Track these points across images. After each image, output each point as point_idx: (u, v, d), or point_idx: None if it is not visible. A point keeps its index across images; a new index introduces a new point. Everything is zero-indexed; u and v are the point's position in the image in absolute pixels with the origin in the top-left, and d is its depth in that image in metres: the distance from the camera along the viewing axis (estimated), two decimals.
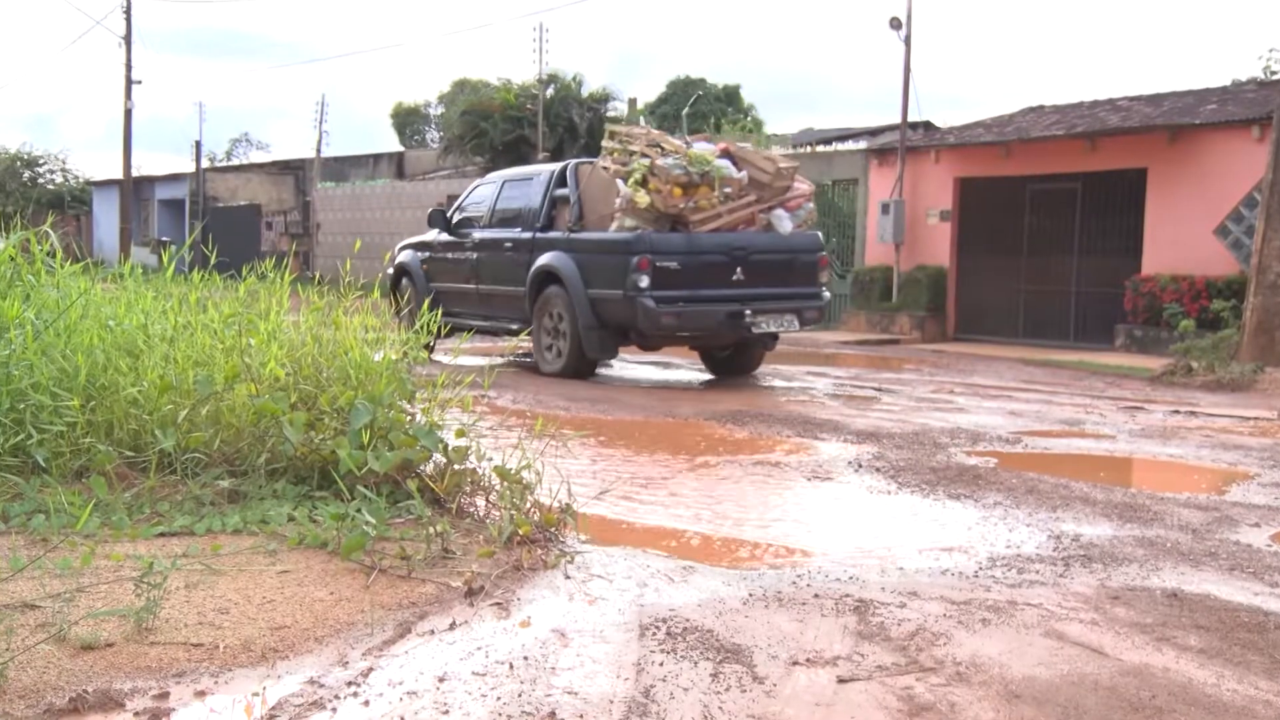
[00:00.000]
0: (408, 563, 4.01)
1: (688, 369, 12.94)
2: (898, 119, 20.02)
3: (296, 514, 4.52)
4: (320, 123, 39.88)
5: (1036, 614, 3.84)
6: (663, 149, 11.03)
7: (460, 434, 5.02)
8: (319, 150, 39.83)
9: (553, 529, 4.63)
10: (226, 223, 40.12)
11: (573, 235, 11.34)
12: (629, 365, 13.20)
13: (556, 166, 12.22)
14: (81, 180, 56.10)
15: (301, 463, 4.88)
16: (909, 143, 19.86)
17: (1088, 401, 10.46)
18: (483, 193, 13.15)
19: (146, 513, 4.46)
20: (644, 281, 10.41)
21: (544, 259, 11.44)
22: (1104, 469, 7.06)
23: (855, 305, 19.90)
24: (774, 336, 11.39)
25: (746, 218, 11.08)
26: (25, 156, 57.97)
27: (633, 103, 40.02)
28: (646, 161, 10.78)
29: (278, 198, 42.67)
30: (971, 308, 19.30)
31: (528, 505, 4.72)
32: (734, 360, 11.87)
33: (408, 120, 63.53)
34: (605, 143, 11.56)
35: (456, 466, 4.98)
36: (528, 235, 11.88)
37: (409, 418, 5.18)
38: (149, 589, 3.29)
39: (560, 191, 11.73)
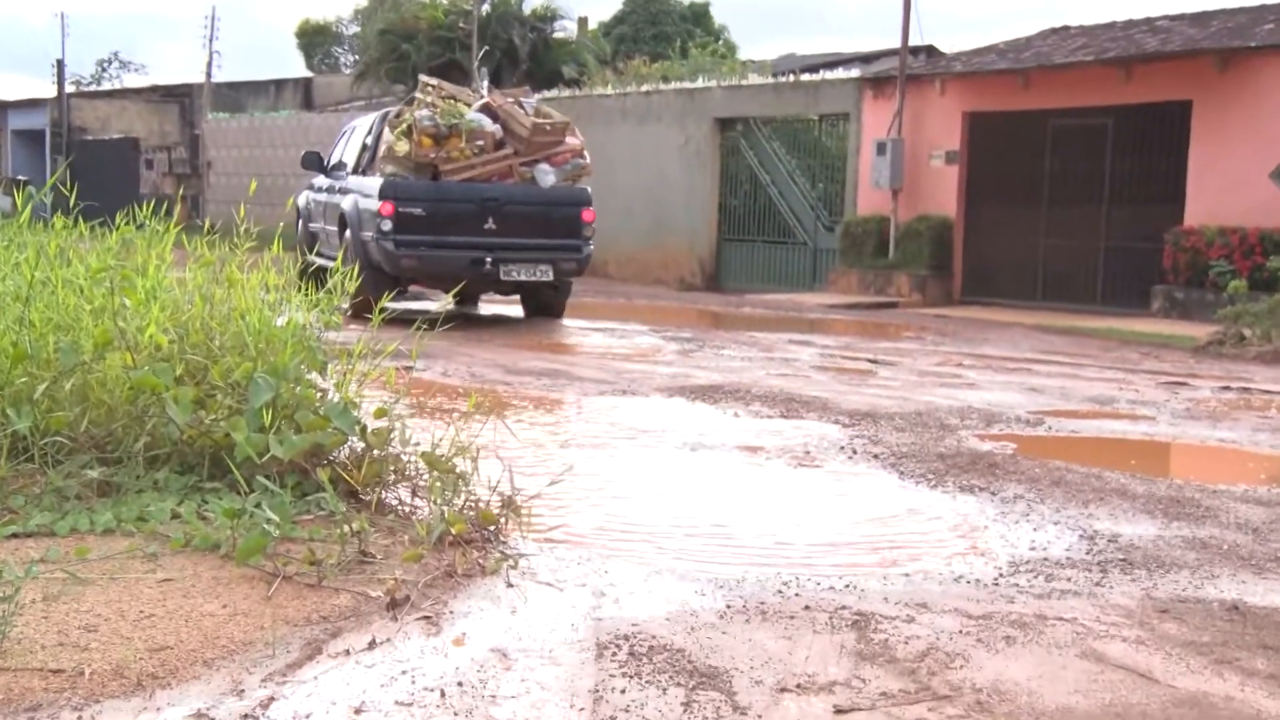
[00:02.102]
0: (318, 569, 3.91)
1: (648, 334, 12.88)
2: (896, 43, 19.98)
3: (182, 510, 4.41)
4: (210, 41, 39.36)
5: (1070, 630, 3.81)
6: (458, 101, 13.42)
7: (380, 414, 4.92)
8: (209, 75, 39.34)
9: (492, 527, 4.55)
10: (97, 159, 39.49)
11: (350, 180, 13.75)
12: (582, 332, 13.13)
13: (380, 113, 14.40)
14: None
15: (189, 448, 4.76)
16: (910, 70, 19.81)
17: (1121, 376, 10.50)
18: (350, 135, 15.14)
19: None
20: (387, 225, 12.51)
21: (343, 203, 13.73)
22: (1143, 456, 7.07)
23: (845, 262, 19.90)
24: (562, 284, 13.68)
25: (502, 170, 13.16)
26: None
27: (583, 22, 39.76)
28: (425, 113, 12.99)
29: (160, 130, 42.09)
30: (981, 265, 19.35)
31: (462, 499, 4.63)
32: (538, 304, 14.13)
33: (316, 40, 62.81)
34: (417, 93, 13.70)
35: (377, 453, 4.89)
36: (341, 180, 14.24)
37: (319, 394, 5.07)
38: None
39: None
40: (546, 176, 13.23)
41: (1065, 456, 6.80)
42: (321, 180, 15.40)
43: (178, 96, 43.46)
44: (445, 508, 4.48)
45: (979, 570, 4.53)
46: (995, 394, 9.17)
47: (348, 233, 13.39)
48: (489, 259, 12.66)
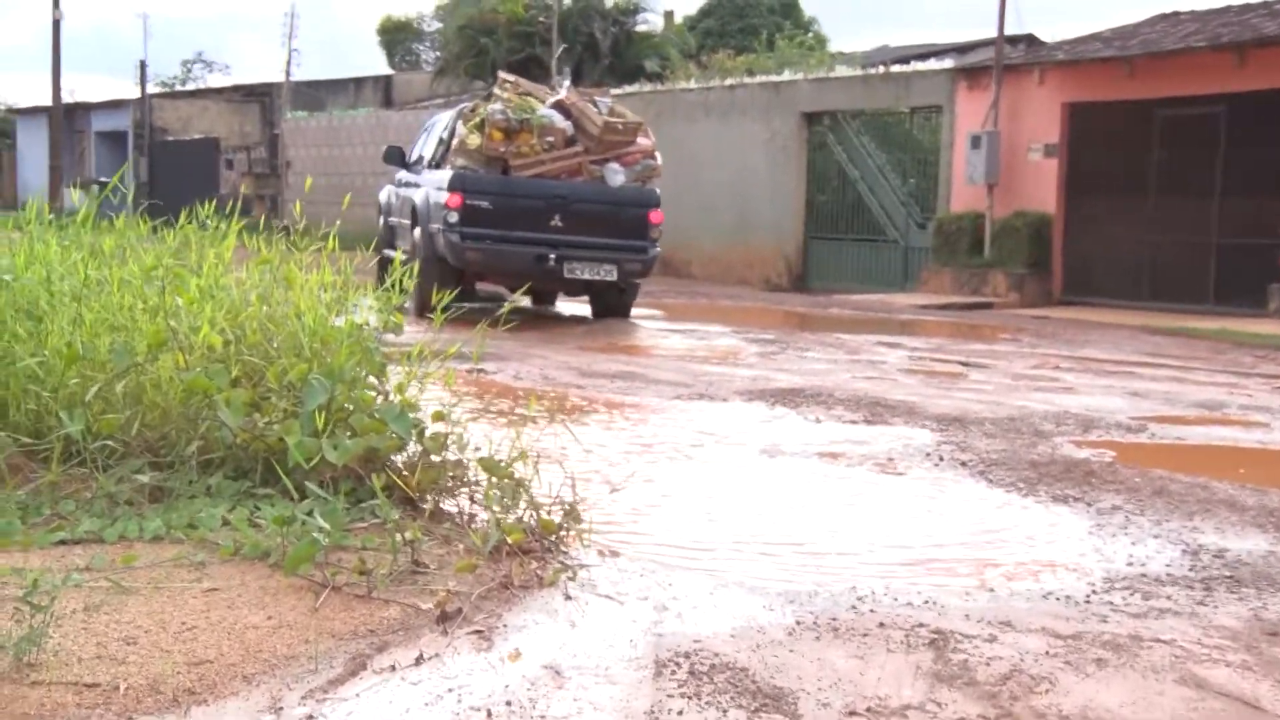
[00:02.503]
0: (367, 579, 3.85)
1: (729, 336, 12.76)
2: (993, 32, 19.68)
3: (233, 516, 4.37)
4: (289, 39, 39.80)
5: (1168, 653, 3.64)
6: (535, 98, 13.71)
7: (438, 417, 4.86)
8: (288, 73, 39.81)
9: (552, 537, 4.46)
10: (177, 160, 40.20)
11: (424, 174, 14.15)
12: (661, 334, 13.05)
13: (458, 108, 14.71)
14: (2, 108, 56.37)
15: (243, 452, 4.73)
16: (1007, 60, 19.51)
17: (1233, 380, 10.21)
18: (430, 130, 15.50)
19: (45, 514, 4.32)
20: (453, 217, 12.80)
21: (415, 196, 14.15)
22: (1255, 465, 6.83)
23: (938, 261, 19.63)
24: (629, 285, 13.83)
25: (572, 167, 13.39)
26: None
27: (668, 16, 39.75)
28: (498, 107, 13.39)
29: (240, 130, 42.69)
30: (1083, 263, 18.99)
31: (521, 507, 4.55)
32: (604, 304, 14.20)
33: (397, 37, 63.32)
34: (495, 89, 14.01)
35: (434, 458, 4.83)
36: (418, 174, 14.60)
37: (377, 397, 5.02)
38: (32, 612, 3.14)
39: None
40: (616, 176, 13.40)
41: (1169, 465, 6.59)
42: (402, 175, 15.76)
43: (258, 96, 44.05)
44: (502, 517, 4.40)
45: (1070, 586, 4.36)
46: (1095, 398, 8.94)
47: (417, 226, 13.82)
48: (553, 256, 12.89)
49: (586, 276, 13.15)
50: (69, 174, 44.38)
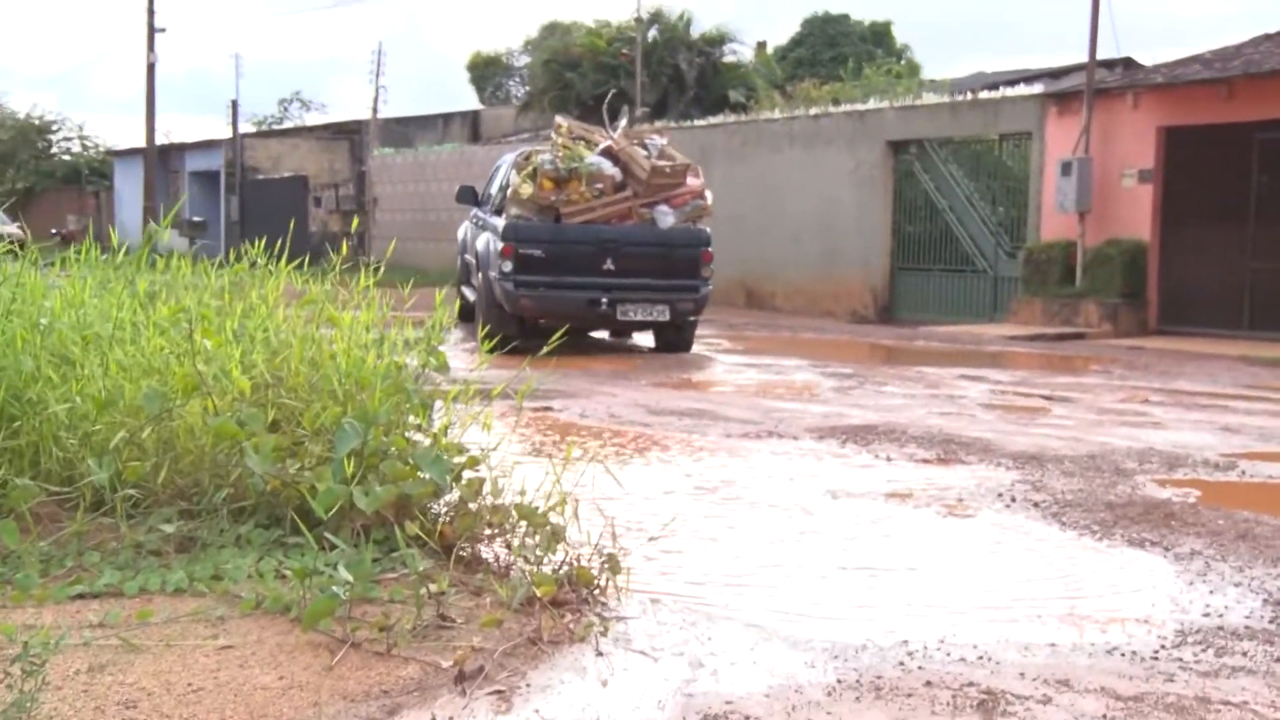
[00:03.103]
0: (388, 634, 3.71)
1: (806, 370, 12.54)
2: (1086, 56, 19.31)
3: (261, 567, 4.27)
4: (377, 76, 40.22)
5: (1237, 717, 3.39)
6: (588, 142, 14.13)
7: (473, 463, 4.72)
8: (375, 110, 40.20)
9: (591, 588, 4.30)
10: (267, 198, 40.76)
11: (488, 219, 14.75)
12: (737, 369, 12.87)
13: (514, 155, 15.14)
14: (101, 149, 57.60)
15: (275, 500, 4.63)
16: (1099, 84, 19.11)
17: None
18: (499, 171, 15.87)
19: (68, 566, 4.25)
20: (507, 266, 13.33)
21: (478, 241, 14.91)
22: None
23: (1028, 291, 19.22)
24: (684, 323, 14.04)
25: (622, 211, 13.71)
26: (38, 122, 59.78)
27: (761, 46, 39.68)
28: (547, 157, 13.79)
29: (330, 167, 43.18)
30: (1179, 292, 18.50)
31: (560, 557, 4.41)
32: (665, 342, 14.44)
33: (487, 73, 63.88)
34: (552, 134, 14.50)
35: (472, 505, 4.69)
36: (481, 217, 15.38)
37: (415, 441, 4.90)
38: (24, 676, 3.04)
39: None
40: (665, 218, 13.77)
41: (1257, 506, 6.29)
42: (476, 213, 16.16)
43: (348, 133, 44.53)
44: (534, 567, 4.26)
45: (1138, 640, 4.12)
46: (1183, 434, 8.61)
47: (481, 270, 14.42)
48: (605, 300, 13.35)
49: (639, 318, 13.59)
50: (164, 214, 45.24)
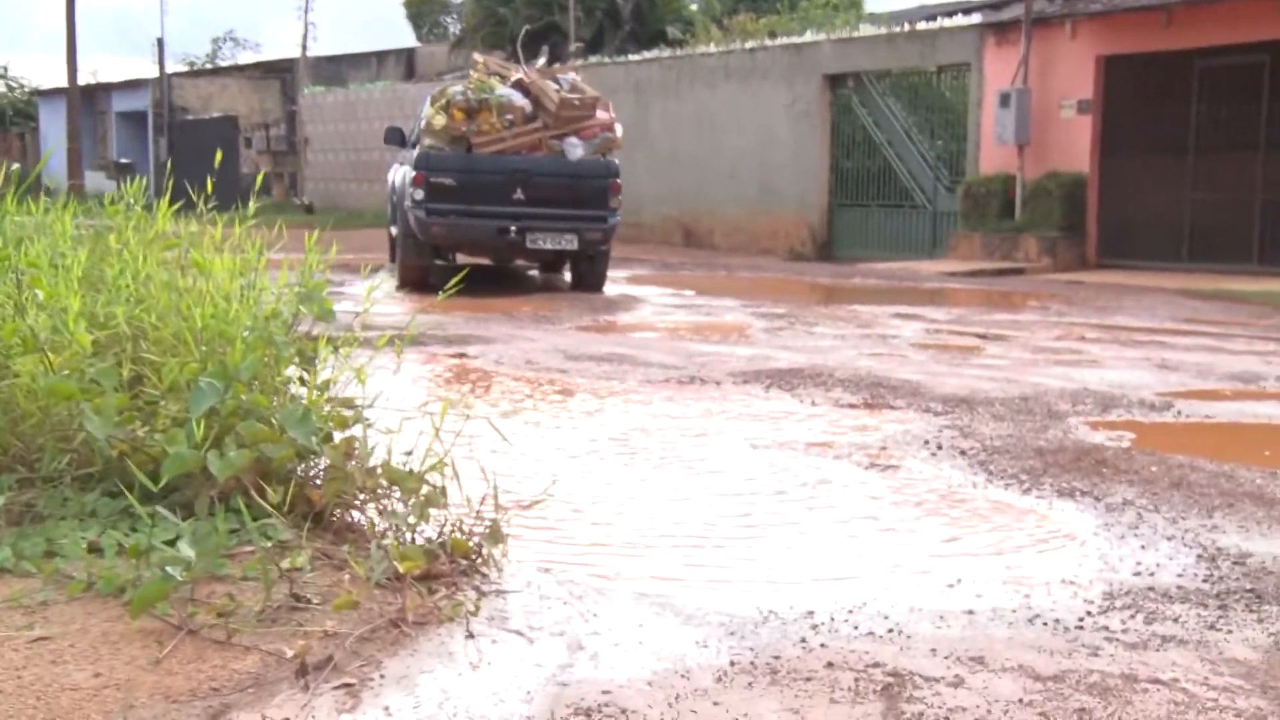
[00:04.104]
0: (228, 620, 3.32)
1: (738, 310, 12.19)
2: None
3: (103, 541, 3.86)
4: (305, 12, 39.32)
5: (1166, 700, 3.07)
6: (503, 77, 14.62)
7: (342, 422, 4.32)
8: (304, 48, 39.32)
9: (469, 559, 3.93)
10: (196, 139, 39.76)
11: (403, 153, 15.28)
12: (667, 310, 12.51)
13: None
14: (27, 90, 56.22)
15: (125, 466, 4.20)
16: (1036, 13, 18.75)
17: (1273, 348, 9.56)
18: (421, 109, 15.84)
19: None
20: (419, 195, 13.63)
21: (394, 175, 15.64)
22: None
23: (967, 225, 18.96)
24: (597, 253, 14.24)
25: (532, 143, 14.11)
26: None
27: None
28: (458, 88, 14.26)
29: (260, 107, 42.29)
30: (1119, 225, 18.30)
31: (443, 524, 4.03)
32: (577, 275, 14.82)
33: (425, 9, 62.72)
34: (471, 71, 15.02)
35: (351, 466, 4.30)
36: (404, 154, 15.47)
37: (293, 397, 4.49)
38: None
39: None
40: (575, 150, 14.12)
41: (1193, 449, 6.00)
42: (403, 154, 16.01)
43: (279, 72, 43.59)
44: (409, 535, 3.87)
45: (1063, 606, 3.79)
46: (1119, 372, 8.33)
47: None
48: (514, 228, 13.70)
49: (548, 246, 13.89)
50: (90, 156, 44.17)
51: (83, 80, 43.27)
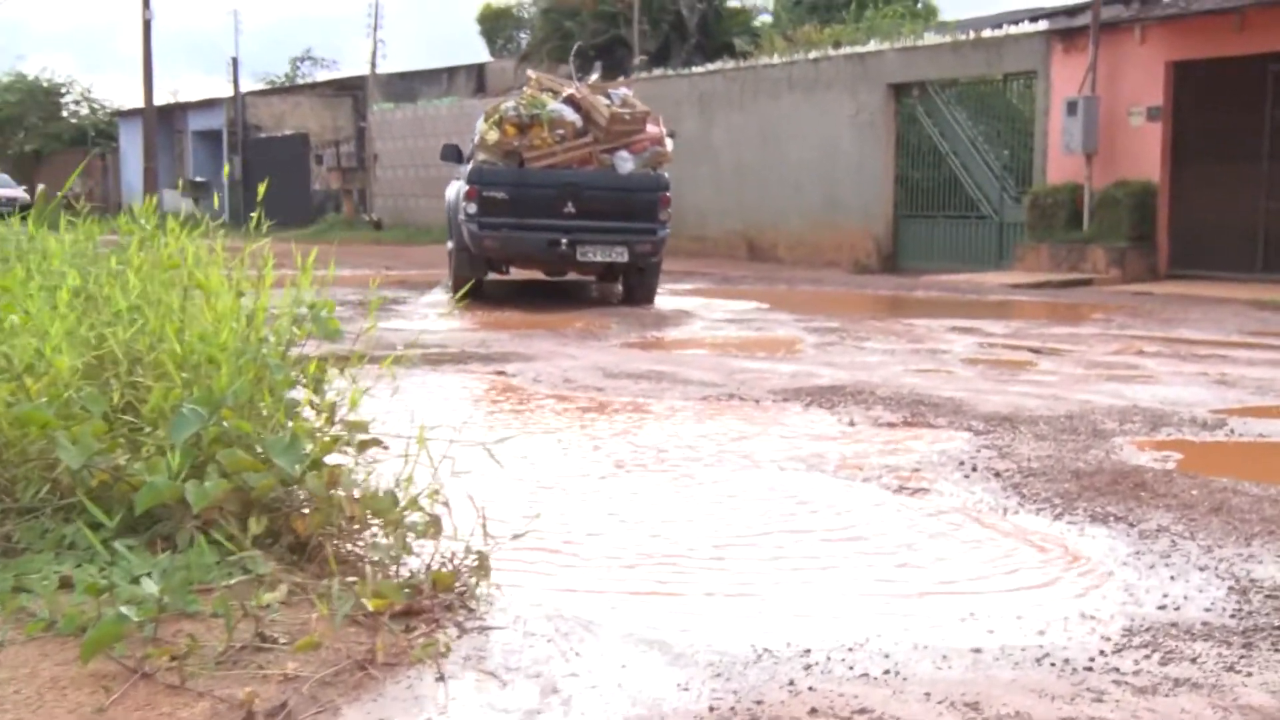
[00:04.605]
0: (183, 663, 3.18)
1: (791, 325, 11.98)
2: None
3: (79, 575, 3.74)
4: (374, 29, 39.56)
5: None
6: (554, 93, 14.80)
7: (324, 448, 4.17)
8: (373, 64, 39.54)
9: (453, 593, 3.77)
10: (269, 157, 40.24)
11: (459, 169, 15.42)
12: (716, 325, 12.32)
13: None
14: (108, 111, 57.14)
15: (108, 496, 4.09)
16: (1105, 18, 18.35)
17: None
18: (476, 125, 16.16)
19: None
20: (472, 208, 13.86)
21: (449, 190, 16.02)
22: None
23: (1033, 236, 18.58)
24: (648, 266, 14.45)
25: (583, 156, 14.29)
26: (46, 84, 59.30)
27: None
28: (510, 104, 14.56)
29: (333, 125, 42.61)
30: (1190, 235, 17.85)
31: (431, 556, 3.88)
32: (628, 289, 14.97)
33: (498, 25, 62.97)
34: (525, 87, 15.24)
35: (340, 494, 4.15)
36: (459, 169, 15.67)
37: (274, 424, 4.36)
38: None
39: None
40: (625, 163, 14.31)
41: (1239, 471, 5.71)
42: (461, 170, 16.10)
43: (351, 89, 43.90)
44: (385, 571, 3.72)
45: (1077, 644, 3.56)
46: (1174, 389, 8.03)
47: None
48: (565, 240, 13.84)
49: (598, 259, 14.05)
50: (168, 174, 44.76)
51: (162, 100, 43.91)
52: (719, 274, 19.59)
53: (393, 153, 34.89)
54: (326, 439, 4.34)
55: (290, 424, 4.31)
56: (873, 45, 22.30)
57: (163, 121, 44.92)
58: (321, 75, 62.24)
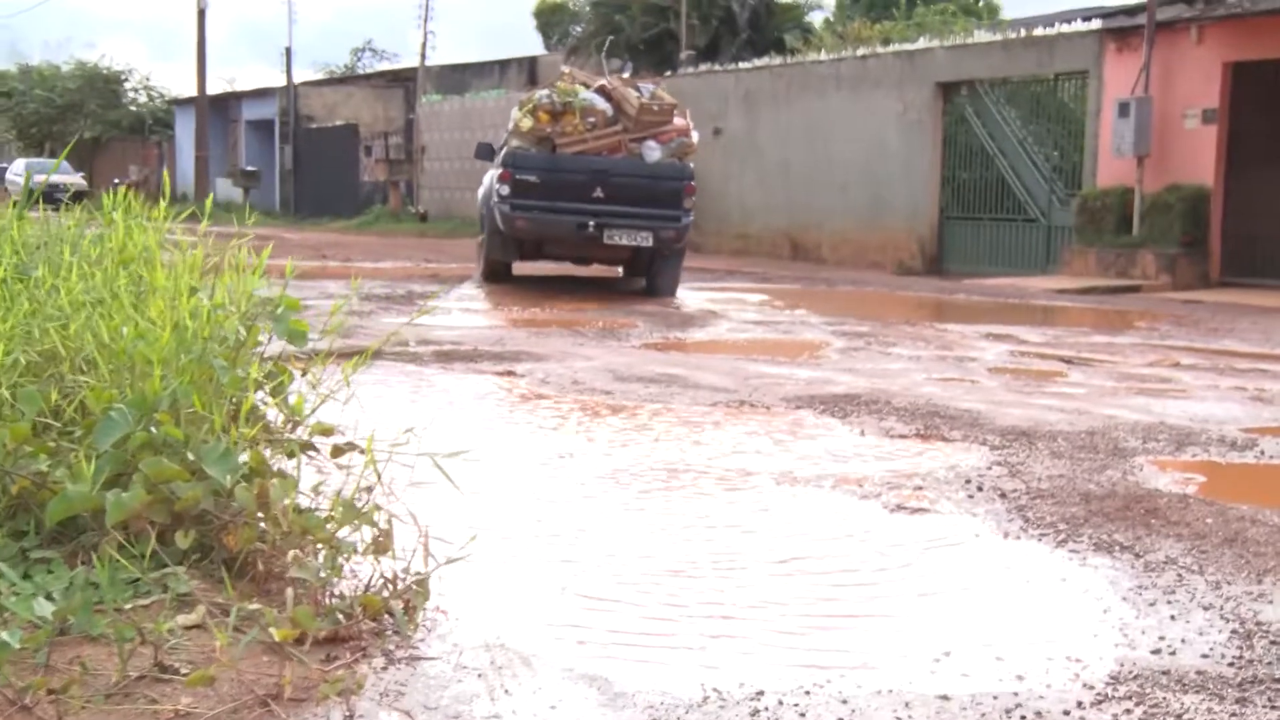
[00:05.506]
0: (59, 697, 2.92)
1: (819, 328, 11.65)
2: None
3: None
4: (425, 21, 39.42)
5: None
6: (587, 85, 15.22)
7: (256, 457, 3.91)
8: (423, 56, 39.42)
9: (382, 619, 3.51)
10: (319, 147, 40.26)
11: (495, 157, 15.77)
12: (741, 327, 12.02)
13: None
14: (165, 98, 57.42)
15: (32, 503, 3.86)
16: (1162, 18, 17.86)
17: None
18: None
19: None
20: (505, 190, 14.42)
21: (485, 177, 16.23)
22: None
23: (1082, 240, 18.13)
24: (671, 254, 14.94)
25: (612, 144, 14.76)
26: (105, 71, 59.67)
27: None
28: (544, 92, 15.13)
29: (385, 116, 42.54)
30: (1244, 241, 17.37)
31: (370, 577, 3.62)
32: (650, 278, 15.33)
33: (553, 19, 62.78)
34: (557, 82, 15.48)
35: (284, 508, 3.89)
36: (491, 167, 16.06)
37: (210, 431, 4.11)
38: None
39: None
40: (652, 153, 14.76)
41: (1261, 497, 5.37)
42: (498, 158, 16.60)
43: (403, 81, 43.83)
44: (310, 596, 3.46)
45: (1055, 693, 3.25)
46: (1206, 405, 7.66)
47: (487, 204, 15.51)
48: (593, 224, 14.30)
49: (624, 242, 14.50)
50: (220, 163, 44.92)
51: (219, 89, 44.06)
52: (758, 273, 19.27)
53: (440, 145, 34.76)
54: (288, 444, 4.10)
55: (230, 431, 4.07)
56: (922, 43, 21.88)
57: (217, 111, 45.07)
58: (383, 67, 62.37)
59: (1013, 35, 20.36)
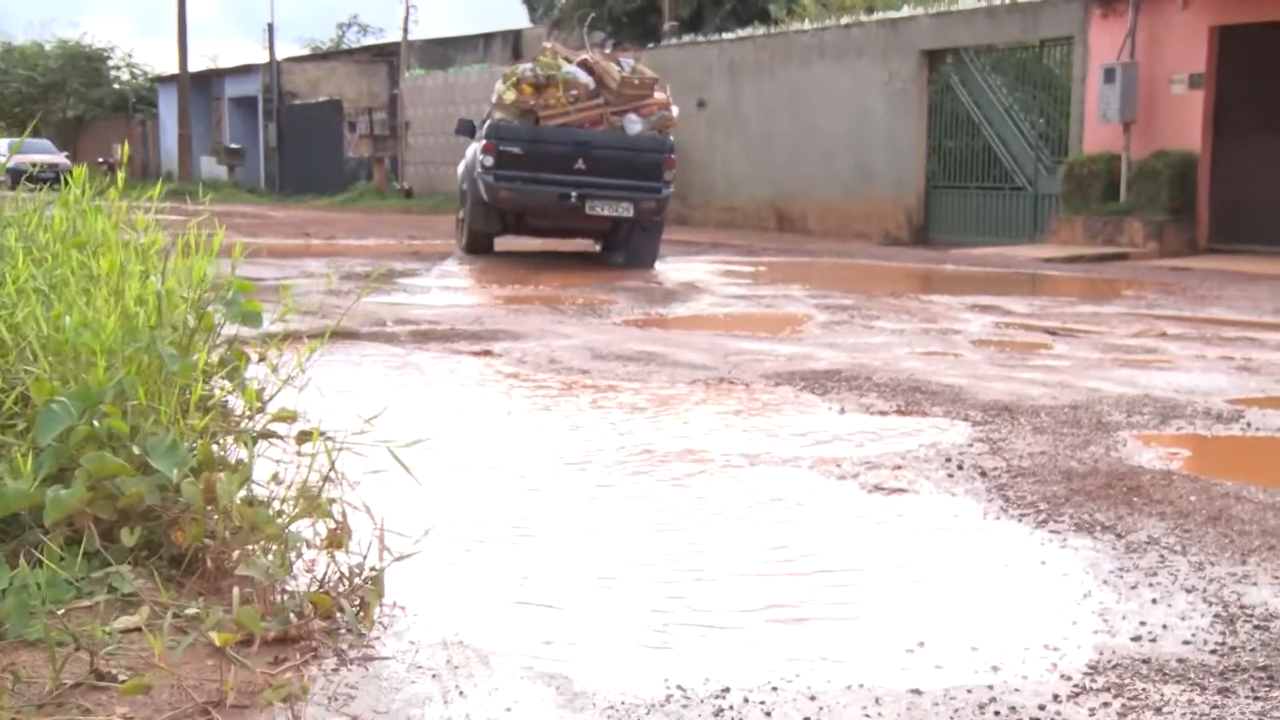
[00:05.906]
0: None
1: (803, 302, 11.53)
2: None
3: None
4: None
5: None
6: (568, 60, 15.59)
7: (205, 453, 3.78)
8: (405, 30, 39.14)
9: (335, 617, 3.38)
10: (303, 124, 39.99)
11: (474, 129, 16.35)
12: (725, 301, 11.89)
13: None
14: (148, 76, 57.04)
15: None
16: None
17: None
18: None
19: None
20: (489, 161, 14.80)
21: (468, 150, 16.44)
22: None
23: (1068, 208, 18.01)
24: (651, 225, 15.28)
25: (594, 117, 15.17)
26: (88, 49, 59.25)
27: None
28: (527, 65, 15.52)
29: (368, 91, 42.24)
30: (1233, 206, 17.26)
31: (324, 573, 3.50)
32: (630, 249, 15.60)
33: None
34: (539, 56, 15.85)
35: (231, 504, 3.75)
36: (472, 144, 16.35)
37: (158, 422, 3.97)
38: None
39: None
40: (634, 125, 15.13)
41: (1247, 473, 5.25)
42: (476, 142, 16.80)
43: (387, 56, 43.51)
44: (258, 595, 3.34)
45: (1031, 685, 3.14)
46: (1192, 376, 7.55)
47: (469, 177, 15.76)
48: (574, 194, 14.70)
49: (605, 213, 14.86)
50: (204, 141, 44.64)
51: (201, 66, 43.70)
52: (744, 246, 19.13)
53: (424, 120, 34.53)
54: (243, 434, 3.97)
55: (178, 423, 3.93)
56: (906, 10, 21.70)
57: (200, 88, 44.77)
58: (369, 42, 61.87)
59: (997, 1, 20.18)
